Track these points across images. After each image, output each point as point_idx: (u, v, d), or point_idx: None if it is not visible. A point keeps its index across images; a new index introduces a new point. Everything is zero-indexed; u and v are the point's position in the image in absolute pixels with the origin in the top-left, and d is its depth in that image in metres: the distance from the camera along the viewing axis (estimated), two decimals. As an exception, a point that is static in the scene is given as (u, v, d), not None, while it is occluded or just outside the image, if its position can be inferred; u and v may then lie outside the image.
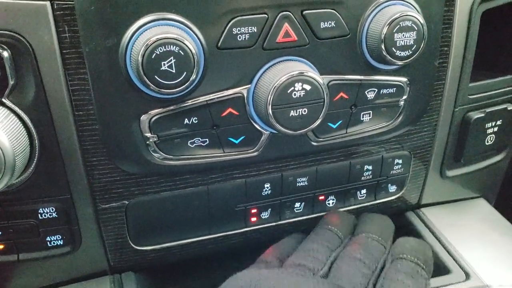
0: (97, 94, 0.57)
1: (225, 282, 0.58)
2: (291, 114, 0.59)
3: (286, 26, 0.59)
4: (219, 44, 0.57)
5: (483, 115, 0.79)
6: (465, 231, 0.83)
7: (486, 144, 0.83)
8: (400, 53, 0.61)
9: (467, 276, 0.72)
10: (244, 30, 0.57)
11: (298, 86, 0.58)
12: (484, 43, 0.79)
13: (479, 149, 0.83)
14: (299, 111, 0.59)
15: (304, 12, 0.59)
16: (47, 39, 0.54)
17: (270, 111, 0.58)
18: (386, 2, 0.62)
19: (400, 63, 0.62)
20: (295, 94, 0.58)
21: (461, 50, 0.73)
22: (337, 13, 0.60)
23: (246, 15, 0.57)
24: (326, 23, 0.60)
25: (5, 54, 0.53)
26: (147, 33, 0.53)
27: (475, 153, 0.83)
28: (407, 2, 0.63)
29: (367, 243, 0.65)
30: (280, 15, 0.58)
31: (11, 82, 0.54)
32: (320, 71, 0.62)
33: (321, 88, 0.59)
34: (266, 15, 0.58)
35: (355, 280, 0.59)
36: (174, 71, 0.53)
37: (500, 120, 0.83)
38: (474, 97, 0.78)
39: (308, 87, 0.59)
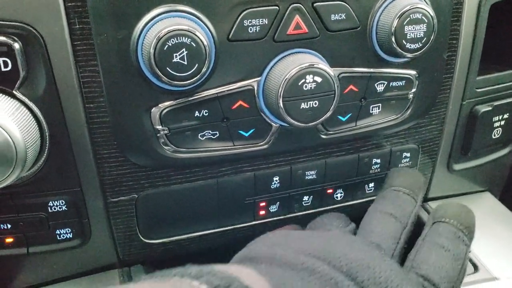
0: (108, 86, 0.56)
1: (256, 240, 0.56)
2: (301, 106, 0.59)
3: (297, 18, 0.59)
4: (230, 36, 0.57)
5: (490, 108, 0.79)
6: (472, 224, 0.83)
7: (493, 137, 0.83)
8: (410, 46, 0.61)
9: (476, 268, 0.72)
10: (255, 22, 0.57)
11: (309, 78, 0.58)
12: (493, 36, 0.79)
13: (486, 142, 0.83)
14: (310, 104, 0.59)
15: (315, 4, 0.59)
16: (58, 30, 0.54)
17: (281, 103, 0.58)
18: (396, -6, 0.62)
19: (410, 55, 0.62)
20: (306, 86, 0.58)
21: (469, 43, 0.73)
22: (347, 5, 0.60)
23: (257, 7, 0.57)
24: (336, 15, 0.60)
25: (16, 45, 0.53)
26: (159, 24, 0.53)
27: (482, 147, 0.84)
28: (417, -6, 0.63)
29: (397, 197, 0.63)
30: (291, 7, 0.58)
31: (22, 74, 0.54)
32: (330, 63, 0.62)
33: (332, 80, 0.59)
34: (277, 7, 0.58)
35: (386, 235, 0.56)
36: (186, 63, 0.53)
37: (507, 114, 0.83)
38: (482, 91, 0.78)
39: (319, 79, 0.59)
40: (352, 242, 0.52)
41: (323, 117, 0.61)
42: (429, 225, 0.60)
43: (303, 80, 0.58)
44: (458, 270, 0.54)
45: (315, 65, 0.58)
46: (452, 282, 0.53)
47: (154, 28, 0.53)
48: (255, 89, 0.61)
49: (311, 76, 0.58)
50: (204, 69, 0.54)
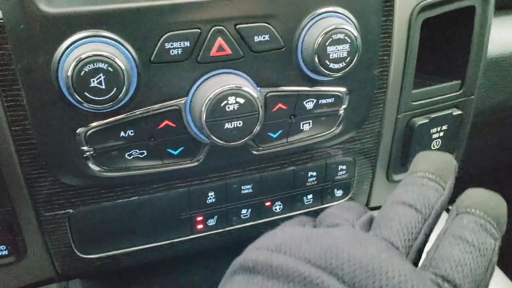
0: (32, 110, 0.57)
1: (259, 240, 0.51)
2: (226, 126, 0.60)
3: (220, 40, 0.60)
4: (152, 59, 0.58)
5: (427, 120, 0.81)
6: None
7: (432, 148, 0.85)
8: (333, 65, 0.63)
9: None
10: (177, 45, 0.58)
11: (231, 99, 0.59)
12: (430, 48, 0.80)
13: (425, 153, 0.85)
14: (234, 124, 0.60)
15: (237, 26, 0.60)
16: (-22, 57, 0.55)
17: (204, 123, 0.59)
18: (321, 14, 0.63)
19: (334, 74, 0.63)
20: (228, 107, 0.59)
21: (401, 58, 0.74)
22: (270, 27, 0.61)
23: (178, 30, 0.58)
24: (260, 36, 0.61)
25: None
26: (78, 50, 0.54)
27: (421, 157, 0.85)
28: (342, 14, 0.64)
29: (420, 184, 0.55)
30: (213, 29, 0.59)
31: None
32: (257, 83, 0.63)
33: (255, 101, 0.60)
34: (199, 30, 0.58)
35: (404, 230, 0.50)
36: (104, 87, 0.54)
37: (446, 125, 0.84)
38: (418, 103, 0.80)
39: (241, 101, 0.60)
40: (359, 243, 0.46)
41: (248, 136, 0.62)
42: (452, 216, 0.53)
43: (225, 102, 0.59)
44: (485, 267, 0.48)
45: (236, 87, 0.59)
46: (477, 282, 0.46)
47: (74, 53, 0.54)
48: (182, 108, 0.62)
49: (233, 97, 0.59)
50: (123, 93, 0.55)
